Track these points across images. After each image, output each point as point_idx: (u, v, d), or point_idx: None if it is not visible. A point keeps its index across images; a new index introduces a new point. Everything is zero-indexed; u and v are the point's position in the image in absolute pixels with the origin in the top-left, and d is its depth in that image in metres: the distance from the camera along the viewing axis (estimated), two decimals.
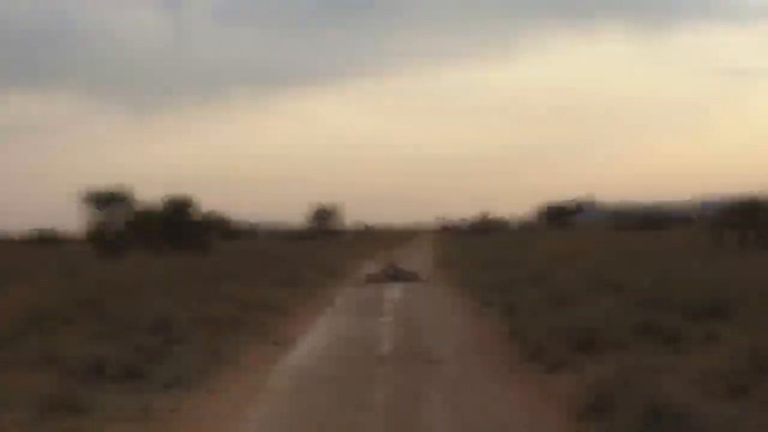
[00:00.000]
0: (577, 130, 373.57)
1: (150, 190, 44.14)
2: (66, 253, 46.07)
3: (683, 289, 19.40)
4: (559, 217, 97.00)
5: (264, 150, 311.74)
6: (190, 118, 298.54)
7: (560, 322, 15.99)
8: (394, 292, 29.69)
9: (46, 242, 66.90)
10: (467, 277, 30.25)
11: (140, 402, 11.42)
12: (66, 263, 33.67)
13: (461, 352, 16.72)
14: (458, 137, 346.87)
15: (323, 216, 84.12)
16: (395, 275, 34.90)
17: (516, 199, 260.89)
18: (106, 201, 41.65)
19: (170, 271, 28.34)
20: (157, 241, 42.11)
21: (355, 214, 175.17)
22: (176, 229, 42.89)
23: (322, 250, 49.28)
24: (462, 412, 11.59)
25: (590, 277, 25.48)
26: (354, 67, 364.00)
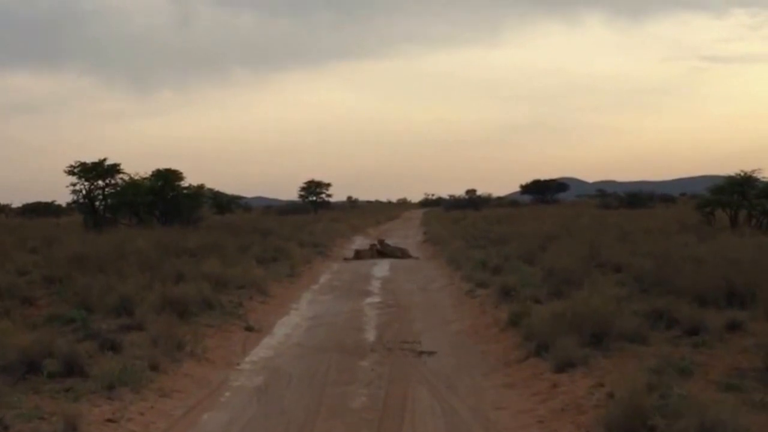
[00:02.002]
0: (561, 110, 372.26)
1: (149, 164, 41.37)
2: (55, 225, 43.55)
3: (689, 272, 16.97)
4: (544, 193, 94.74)
5: (259, 127, 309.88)
6: (189, 96, 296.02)
7: (564, 308, 13.39)
8: (382, 269, 27.12)
9: (40, 214, 64.31)
10: (457, 254, 27.67)
11: (71, 410, 8.81)
12: (49, 236, 31.19)
13: (455, 342, 14.22)
14: (446, 116, 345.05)
15: (314, 191, 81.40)
16: (383, 251, 32.34)
17: (501, 176, 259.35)
18: (94, 173, 38.80)
19: (152, 244, 25.77)
20: (145, 213, 39.50)
21: (345, 190, 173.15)
22: (165, 202, 40.22)
23: (311, 225, 46.56)
24: (459, 425, 9.09)
25: (585, 255, 23.11)
26: (346, 48, 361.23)
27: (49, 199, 74.72)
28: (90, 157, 39.17)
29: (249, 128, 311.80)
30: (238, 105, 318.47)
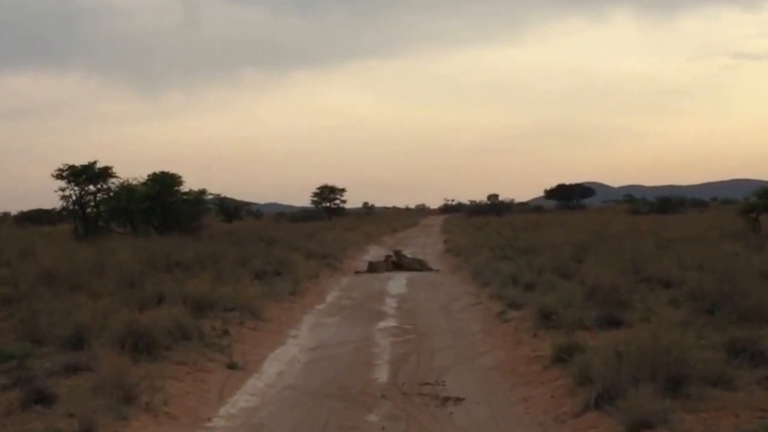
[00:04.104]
0: (584, 112, 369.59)
1: (156, 169, 38.55)
2: (45, 234, 41.10)
3: (759, 289, 14.38)
4: (569, 199, 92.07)
5: (271, 130, 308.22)
6: (198, 98, 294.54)
7: (626, 341, 10.61)
8: (398, 284, 24.47)
9: (37, 223, 61.99)
10: (483, 267, 25.02)
11: None
12: (29, 246, 28.68)
13: (488, 383, 11.57)
14: (466, 118, 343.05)
15: (328, 197, 78.70)
16: (400, 263, 29.68)
17: (524, 180, 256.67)
18: (84, 177, 36.19)
19: (139, 256, 23.23)
20: (140, 221, 36.89)
21: (361, 196, 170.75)
22: (162, 209, 37.61)
23: (323, 233, 44.00)
24: None
25: (627, 268, 20.55)
26: (361, 48, 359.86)
27: (50, 207, 72.58)
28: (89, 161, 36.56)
29: (260, 131, 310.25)
30: (249, 107, 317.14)
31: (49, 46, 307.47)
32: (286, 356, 13.49)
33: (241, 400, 10.57)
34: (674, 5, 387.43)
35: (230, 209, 62.17)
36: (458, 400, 10.55)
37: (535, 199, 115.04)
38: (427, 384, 11.37)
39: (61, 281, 18.46)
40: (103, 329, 12.33)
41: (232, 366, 12.15)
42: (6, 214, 78.47)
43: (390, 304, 20.01)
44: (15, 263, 23.42)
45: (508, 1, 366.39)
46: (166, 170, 38.69)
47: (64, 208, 37.69)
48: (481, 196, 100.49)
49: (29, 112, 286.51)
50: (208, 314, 15.25)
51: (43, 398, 9.18)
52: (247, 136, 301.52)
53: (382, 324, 16.87)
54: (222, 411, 10.01)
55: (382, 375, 12.01)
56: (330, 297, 21.63)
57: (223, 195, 63.93)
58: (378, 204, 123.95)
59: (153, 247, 26.76)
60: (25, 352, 11.49)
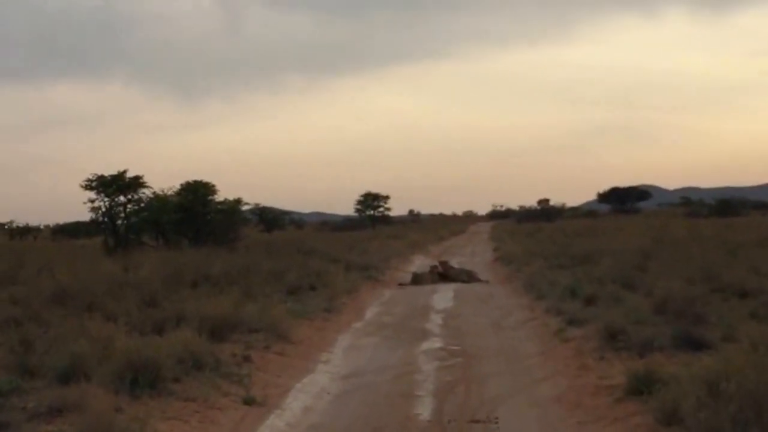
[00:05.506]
0: (638, 112, 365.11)
1: (194, 178, 37.14)
2: (72, 247, 40.07)
3: None
4: (624, 202, 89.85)
5: (315, 137, 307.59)
6: (239, 105, 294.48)
7: (718, 371, 8.91)
8: (444, 297, 22.81)
9: (72, 236, 61.16)
10: (537, 277, 23.37)
11: None
12: (49, 261, 27.46)
13: (550, 420, 9.93)
14: (515, 121, 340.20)
15: (372, 204, 76.97)
16: (447, 274, 28.04)
17: (575, 184, 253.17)
18: (114, 188, 34.90)
19: (164, 271, 21.88)
20: (172, 233, 35.56)
21: (407, 203, 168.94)
22: (195, 220, 36.21)
23: (365, 242, 42.49)
24: None
25: (696, 276, 18.92)
26: (407, 51, 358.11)
27: (86, 219, 71.92)
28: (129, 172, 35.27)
29: (304, 138, 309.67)
30: (292, 114, 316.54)
31: (88, 55, 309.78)
32: (314, 387, 11.89)
33: None
34: (730, 1, 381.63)
35: (270, 219, 60.86)
36: None
37: (587, 203, 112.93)
38: (477, 421, 9.78)
39: (76, 301, 17.19)
40: (103, 359, 10.87)
41: (249, 401, 10.57)
42: (46, 227, 78.00)
43: (435, 321, 18.38)
44: (31, 280, 22.19)
45: (557, 3, 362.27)
46: (201, 179, 37.42)
47: (93, 220, 36.47)
48: (531, 201, 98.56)
49: (68, 122, 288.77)
50: (229, 337, 13.76)
51: None
52: (291, 143, 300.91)
53: (425, 345, 15.24)
54: None
55: (424, 410, 10.42)
56: (369, 313, 20.01)
57: (262, 204, 62.81)
58: (424, 211, 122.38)
59: (182, 260, 25.42)
60: (11, 388, 10.09)
